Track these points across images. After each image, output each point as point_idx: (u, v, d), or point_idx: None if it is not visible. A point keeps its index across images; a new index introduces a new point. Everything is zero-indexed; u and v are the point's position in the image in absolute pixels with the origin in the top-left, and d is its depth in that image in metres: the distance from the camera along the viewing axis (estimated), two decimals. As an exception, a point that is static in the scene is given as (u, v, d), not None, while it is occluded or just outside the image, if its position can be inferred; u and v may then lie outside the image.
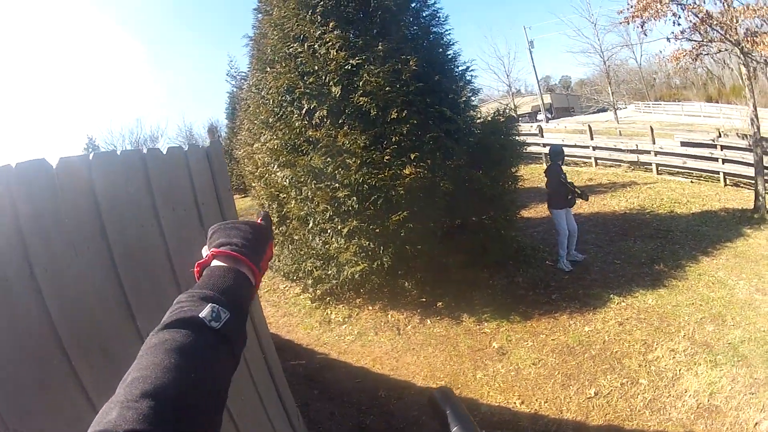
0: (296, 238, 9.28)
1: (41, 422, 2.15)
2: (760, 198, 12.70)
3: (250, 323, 4.18)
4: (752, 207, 12.93)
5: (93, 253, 2.51)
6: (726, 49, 13.13)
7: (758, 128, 13.05)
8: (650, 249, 10.64)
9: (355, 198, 7.87)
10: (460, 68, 9.68)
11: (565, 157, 11.01)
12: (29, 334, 2.17)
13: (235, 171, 24.33)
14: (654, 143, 18.31)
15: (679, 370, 6.71)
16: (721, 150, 15.91)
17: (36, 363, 2.17)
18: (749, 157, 14.02)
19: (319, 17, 8.34)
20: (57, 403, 2.23)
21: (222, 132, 31.85)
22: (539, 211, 14.29)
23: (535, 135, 21.90)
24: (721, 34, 12.28)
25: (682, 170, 17.70)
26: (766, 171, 12.94)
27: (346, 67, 8.01)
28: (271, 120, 8.97)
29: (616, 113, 49.66)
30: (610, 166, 20.12)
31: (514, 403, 6.55)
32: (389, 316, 8.96)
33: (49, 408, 2.21)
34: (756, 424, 5.74)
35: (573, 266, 10.10)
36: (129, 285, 2.69)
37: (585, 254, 10.67)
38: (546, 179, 10.54)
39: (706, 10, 12.14)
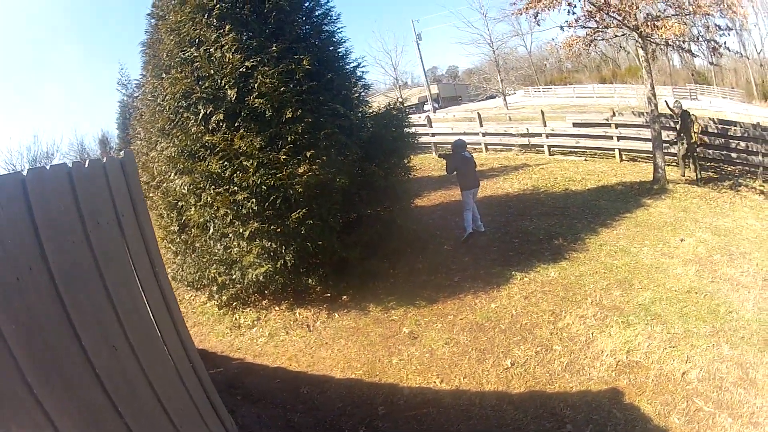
0: (198, 245, 9.29)
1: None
2: (659, 170, 13.75)
3: (176, 335, 4.27)
4: (651, 179, 13.89)
5: (36, 274, 2.50)
6: (623, 34, 14.01)
7: (656, 106, 14.23)
8: (547, 226, 11.27)
9: (254, 200, 8.01)
10: (352, 65, 9.96)
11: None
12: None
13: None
14: (545, 126, 19.00)
15: (592, 334, 7.30)
16: (616, 128, 16.87)
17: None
18: (646, 133, 15.20)
19: (215, 20, 8.37)
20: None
21: (113, 143, 30.85)
22: (432, 199, 14.75)
23: (424, 125, 22.20)
24: (619, 20, 13.13)
25: (575, 149, 18.54)
26: (663, 145, 14.04)
27: (241, 70, 8.10)
28: (167, 127, 8.93)
29: (505, 99, 50.57)
30: (501, 150, 20.73)
31: (434, 382, 6.87)
32: (297, 314, 9.12)
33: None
34: (684, 373, 6.37)
35: (472, 238, 10.95)
36: (70, 303, 2.69)
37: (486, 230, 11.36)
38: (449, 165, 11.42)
39: (605, -1, 12.93)
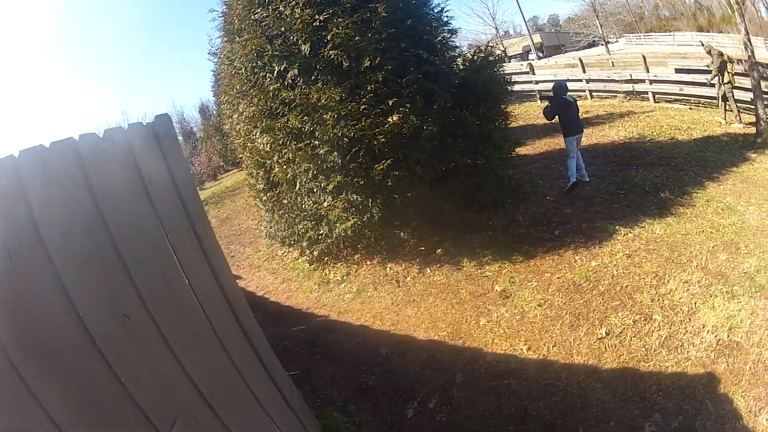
0: (286, 201, 9.12)
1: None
2: (762, 122, 12.42)
3: (222, 294, 3.99)
4: (755, 132, 12.60)
5: (26, 252, 2.32)
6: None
7: (752, 52, 12.87)
8: (654, 177, 10.25)
9: (336, 153, 7.63)
10: (435, 10, 9.23)
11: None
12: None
13: (228, 145, 24.25)
14: (648, 72, 17.81)
15: (695, 304, 6.38)
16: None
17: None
18: (746, 82, 13.76)
19: (281, -21, 7.99)
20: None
21: (213, 110, 32.01)
22: (536, 147, 14.02)
23: (526, 73, 21.32)
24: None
25: (680, 97, 17.23)
26: (764, 95, 12.63)
27: (314, 24, 7.70)
28: (245, 88, 8.78)
29: (607, 46, 49.05)
30: (606, 98, 19.59)
31: (521, 349, 6.31)
32: (388, 269, 8.76)
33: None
34: (781, 362, 5.39)
35: (576, 188, 10.17)
36: (69, 278, 2.46)
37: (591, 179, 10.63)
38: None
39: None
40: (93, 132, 3.01)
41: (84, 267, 2.63)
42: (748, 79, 13.26)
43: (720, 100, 14.36)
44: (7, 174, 2.28)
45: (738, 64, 14.01)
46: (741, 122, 13.67)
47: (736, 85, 14.14)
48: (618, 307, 6.59)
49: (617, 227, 8.40)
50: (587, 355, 5.96)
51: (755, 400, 4.96)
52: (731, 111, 14.13)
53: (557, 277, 7.51)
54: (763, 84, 12.83)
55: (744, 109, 14.45)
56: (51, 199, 2.51)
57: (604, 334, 6.19)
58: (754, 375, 5.23)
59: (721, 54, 14.10)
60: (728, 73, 13.81)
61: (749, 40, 12.77)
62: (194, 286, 3.55)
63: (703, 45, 15.53)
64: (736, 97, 14.39)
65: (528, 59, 49.13)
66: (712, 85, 14.69)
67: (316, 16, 7.66)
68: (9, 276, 2.18)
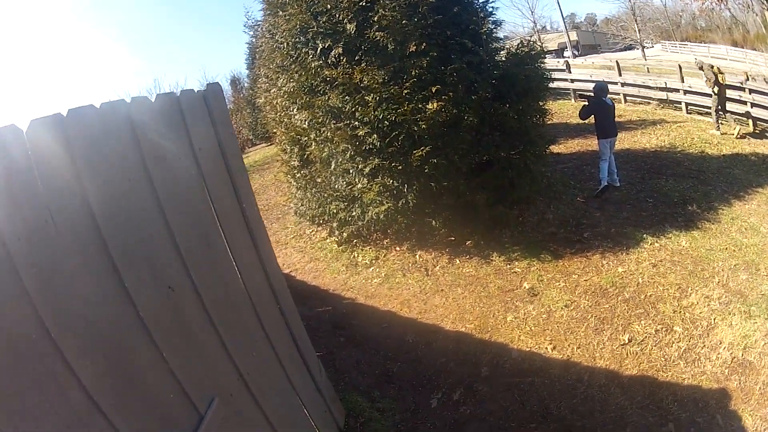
0: (319, 180, 9.02)
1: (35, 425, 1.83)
2: None
3: (263, 271, 3.94)
4: None
5: (70, 215, 2.21)
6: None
7: None
8: (682, 189, 10.08)
9: (375, 135, 7.52)
10: (481, 0, 9.02)
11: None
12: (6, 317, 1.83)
13: (259, 119, 24.12)
14: (683, 81, 17.46)
15: (714, 320, 6.35)
16: (750, 93, 15.15)
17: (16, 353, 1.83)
18: (734, 95, 13.87)
19: (328, -44, 7.85)
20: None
21: (244, 83, 31.93)
22: (569, 146, 13.81)
23: (563, 70, 20.89)
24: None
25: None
26: None
27: (360, 4, 7.57)
28: (286, 63, 8.64)
29: (643, 51, 48.28)
30: (639, 104, 19.30)
31: (546, 348, 6.24)
32: (417, 256, 8.62)
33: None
34: (788, 386, 5.37)
35: (606, 192, 9.97)
36: (115, 245, 2.39)
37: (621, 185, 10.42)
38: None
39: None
40: (145, 96, 2.93)
41: (130, 232, 2.56)
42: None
43: (714, 111, 14.51)
44: (53, 132, 2.20)
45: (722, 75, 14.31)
46: (735, 131, 13.90)
47: (766, 105, 13.94)
48: (642, 315, 6.54)
49: (645, 235, 8.30)
50: (610, 360, 5.93)
51: (762, 420, 4.97)
52: (724, 121, 14.44)
53: (584, 280, 7.42)
54: None
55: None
56: (99, 160, 2.45)
57: (627, 341, 6.16)
58: (763, 395, 5.24)
59: (711, 66, 14.37)
60: (720, 84, 14.02)
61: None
62: (237, 260, 3.50)
63: (695, 61, 15.96)
64: (765, 118, 14.20)
65: (563, 56, 48.49)
66: (709, 96, 14.71)
67: (363, -4, 7.55)
68: (49, 237, 2.09)
